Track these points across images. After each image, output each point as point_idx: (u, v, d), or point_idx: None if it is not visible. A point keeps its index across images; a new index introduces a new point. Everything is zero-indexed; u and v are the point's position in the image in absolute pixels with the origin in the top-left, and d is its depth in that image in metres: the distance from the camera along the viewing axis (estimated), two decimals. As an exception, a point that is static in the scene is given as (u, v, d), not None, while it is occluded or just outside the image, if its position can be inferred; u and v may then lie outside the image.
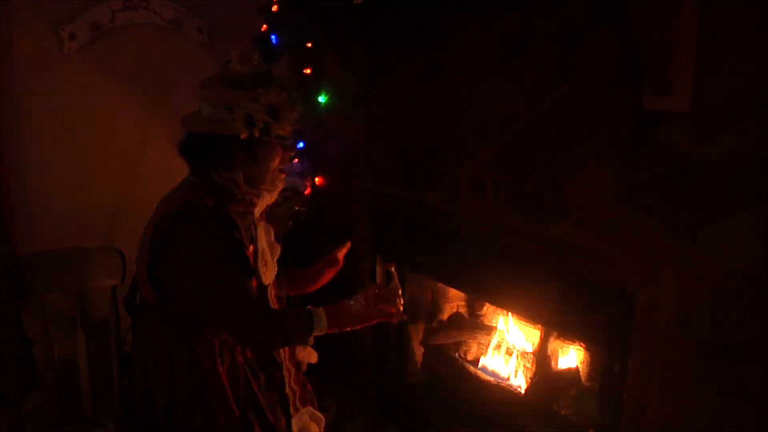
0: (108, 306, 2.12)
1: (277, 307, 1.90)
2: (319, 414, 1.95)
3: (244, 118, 1.62)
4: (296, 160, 3.02)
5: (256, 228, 1.82)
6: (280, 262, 1.92)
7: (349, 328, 1.76)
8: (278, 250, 1.91)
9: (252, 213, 1.80)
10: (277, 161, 1.76)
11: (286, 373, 1.87)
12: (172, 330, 1.73)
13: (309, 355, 1.99)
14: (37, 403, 2.14)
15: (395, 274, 1.92)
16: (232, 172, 1.71)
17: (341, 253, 2.06)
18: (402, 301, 1.83)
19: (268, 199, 1.83)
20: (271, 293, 1.89)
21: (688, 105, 1.54)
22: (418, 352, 2.82)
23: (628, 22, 1.54)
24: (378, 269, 2.70)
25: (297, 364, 1.93)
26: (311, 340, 1.73)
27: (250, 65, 1.68)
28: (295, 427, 1.86)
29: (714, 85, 1.51)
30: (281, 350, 1.87)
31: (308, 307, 1.74)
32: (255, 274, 1.74)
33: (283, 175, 1.82)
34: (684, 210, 1.60)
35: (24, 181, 2.72)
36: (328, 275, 2.07)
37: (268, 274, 1.85)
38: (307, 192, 2.98)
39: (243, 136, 1.63)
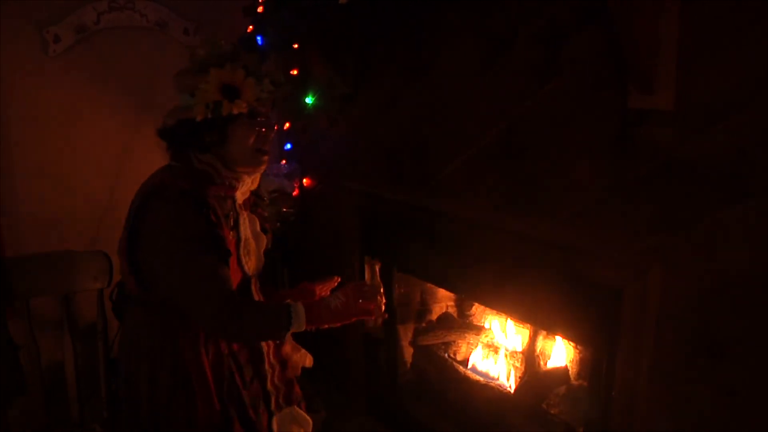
0: (95, 310, 2.11)
1: (260, 299, 1.87)
2: (306, 416, 1.92)
3: (203, 100, 1.63)
4: (284, 161, 3.02)
5: (238, 216, 1.79)
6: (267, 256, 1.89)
7: (327, 326, 1.71)
8: (264, 241, 1.88)
9: (233, 198, 1.77)
10: (251, 140, 1.71)
11: (269, 369, 1.84)
12: (155, 321, 1.72)
13: (303, 358, 1.96)
14: (23, 409, 2.12)
15: (377, 271, 1.88)
16: (207, 156, 1.70)
17: (323, 289, 1.99)
18: (383, 300, 1.79)
19: (249, 183, 1.80)
20: (255, 285, 1.87)
21: (672, 103, 1.55)
22: (408, 352, 2.81)
23: (611, 21, 1.55)
24: (366, 269, 2.70)
25: (282, 362, 1.90)
26: (288, 336, 1.68)
27: (210, 47, 1.67)
28: (275, 425, 1.83)
29: (697, 83, 1.52)
30: (264, 345, 1.84)
31: (287, 300, 1.70)
32: (229, 256, 1.67)
33: (265, 156, 1.76)
34: (670, 207, 1.61)
35: (9, 184, 2.70)
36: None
37: (251, 264, 1.82)
38: (295, 193, 2.98)
39: (198, 118, 1.63)
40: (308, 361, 1.95)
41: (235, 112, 1.63)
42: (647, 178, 1.64)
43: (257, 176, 1.83)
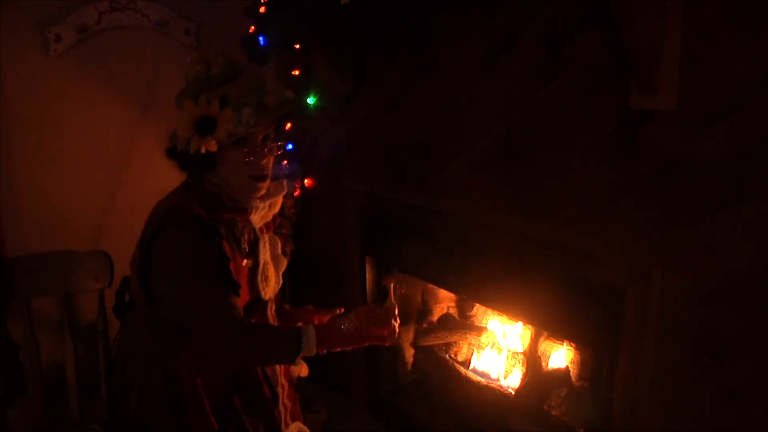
0: (95, 310, 2.10)
1: (275, 322, 1.86)
2: (306, 429, 1.94)
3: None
4: (285, 162, 3.01)
5: (257, 239, 1.77)
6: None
7: (339, 349, 1.69)
8: (284, 263, 1.86)
9: (248, 221, 1.74)
10: (240, 167, 1.64)
11: (279, 389, 1.84)
12: (156, 335, 1.71)
13: (300, 368, 1.95)
14: (23, 409, 2.12)
15: (392, 291, 1.82)
16: (216, 177, 1.66)
17: (322, 318, 1.93)
18: (398, 322, 1.75)
19: (266, 207, 1.76)
20: (271, 308, 1.86)
21: (674, 103, 1.54)
22: (409, 353, 2.81)
23: (614, 21, 1.55)
24: (367, 271, 2.70)
25: (290, 380, 1.91)
26: (298, 360, 1.66)
27: (199, 69, 1.61)
28: None
29: (699, 84, 1.51)
30: (276, 365, 1.84)
31: (299, 324, 1.69)
32: (237, 289, 1.64)
33: (260, 183, 1.69)
34: (672, 208, 1.60)
35: (10, 184, 2.69)
36: None
37: (269, 289, 1.80)
38: (296, 194, 2.97)
39: (178, 147, 1.60)
40: (304, 371, 1.94)
41: (203, 150, 1.55)
42: (649, 178, 1.63)
43: (277, 200, 1.79)
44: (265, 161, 1.68)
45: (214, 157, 1.60)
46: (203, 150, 1.55)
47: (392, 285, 1.83)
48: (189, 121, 1.56)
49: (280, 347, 1.66)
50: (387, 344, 1.76)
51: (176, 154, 1.64)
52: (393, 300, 1.80)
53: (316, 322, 1.89)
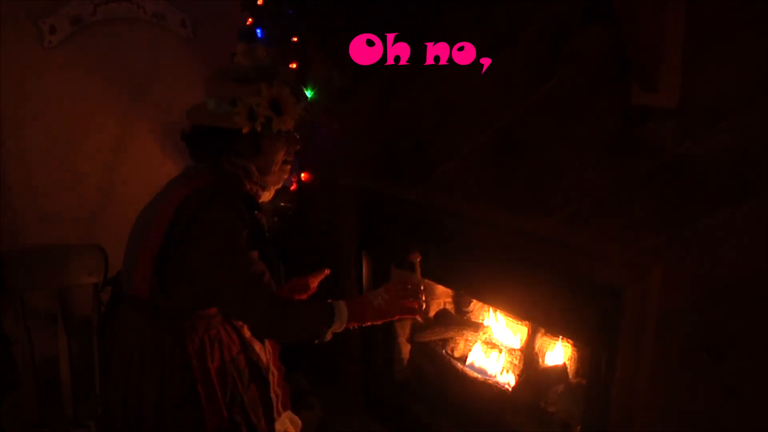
0: (89, 304, 2.09)
1: None
2: (297, 418, 1.96)
3: (247, 112, 1.62)
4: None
5: None
6: None
7: (369, 323, 1.74)
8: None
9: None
10: (282, 154, 1.76)
11: (271, 377, 1.85)
12: (162, 327, 1.69)
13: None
14: (15, 405, 2.11)
15: (418, 266, 1.84)
16: (242, 159, 1.71)
17: (315, 281, 2.01)
18: (424, 297, 1.80)
19: (267, 194, 1.82)
20: None
21: (676, 101, 1.53)
22: (405, 349, 2.80)
23: (615, 18, 1.53)
24: (364, 266, 2.69)
25: (279, 369, 1.92)
26: (330, 334, 1.69)
27: (253, 59, 1.70)
28: (278, 428, 1.85)
29: (701, 82, 1.50)
30: (267, 352, 1.86)
31: (329, 300, 1.71)
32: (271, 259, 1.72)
33: (288, 167, 1.81)
34: (671, 207, 1.59)
35: (3, 176, 2.68)
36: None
37: None
38: (293, 188, 2.96)
39: (245, 130, 1.63)
40: None
41: (284, 129, 1.66)
42: (649, 177, 1.62)
43: (274, 189, 1.85)
44: (297, 148, 1.81)
45: (261, 142, 1.69)
46: (284, 129, 1.66)
47: (418, 260, 1.85)
48: (267, 101, 1.64)
49: (314, 321, 1.69)
50: (417, 317, 1.83)
51: (209, 135, 1.69)
52: (419, 275, 1.81)
53: (312, 285, 1.99)
